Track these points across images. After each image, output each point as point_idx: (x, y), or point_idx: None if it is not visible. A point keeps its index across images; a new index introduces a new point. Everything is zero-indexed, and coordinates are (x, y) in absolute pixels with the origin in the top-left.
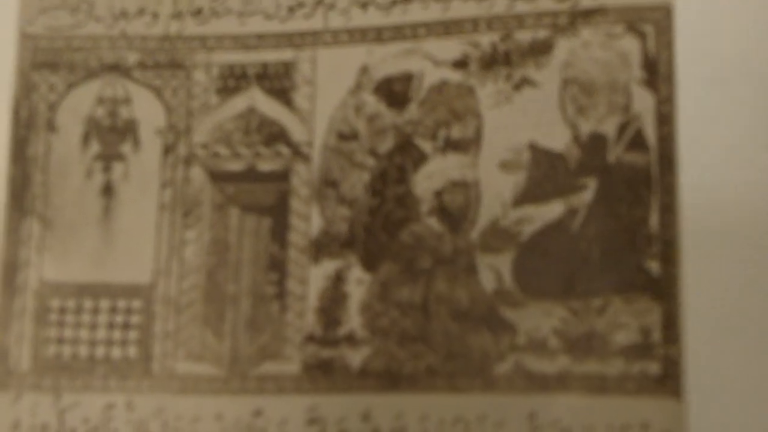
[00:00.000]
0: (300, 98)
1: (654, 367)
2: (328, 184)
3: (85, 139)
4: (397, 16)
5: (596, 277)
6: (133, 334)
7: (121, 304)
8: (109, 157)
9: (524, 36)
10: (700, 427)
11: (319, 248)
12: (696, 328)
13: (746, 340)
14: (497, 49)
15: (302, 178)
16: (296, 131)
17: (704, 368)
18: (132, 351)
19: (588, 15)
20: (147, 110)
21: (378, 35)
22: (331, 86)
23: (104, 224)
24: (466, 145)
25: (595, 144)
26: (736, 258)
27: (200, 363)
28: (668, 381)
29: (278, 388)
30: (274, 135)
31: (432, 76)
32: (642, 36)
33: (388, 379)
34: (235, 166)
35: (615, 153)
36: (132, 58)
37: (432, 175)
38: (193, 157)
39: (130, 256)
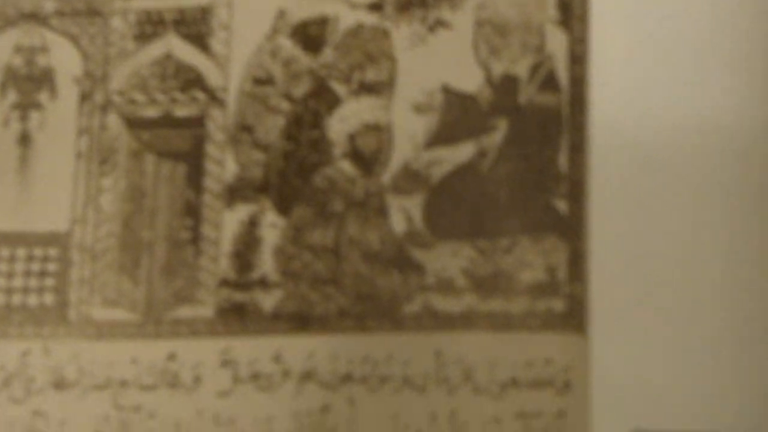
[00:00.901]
0: (216, 43)
1: (559, 305)
2: (243, 129)
3: (2, 88)
4: None
5: (505, 218)
6: (49, 282)
7: (38, 252)
8: (26, 106)
9: None
10: (603, 362)
11: (234, 193)
12: (601, 265)
13: (649, 278)
14: None
15: (218, 124)
16: (212, 77)
17: (608, 305)
18: (48, 298)
19: None
20: (64, 58)
21: None
22: (247, 31)
23: (21, 173)
24: (380, 88)
25: (507, 85)
26: (642, 197)
27: (116, 309)
28: (572, 318)
29: (192, 332)
30: (190, 81)
31: (347, 19)
32: None
33: (299, 321)
34: (151, 112)
35: (527, 94)
36: (49, 5)
37: (346, 119)
38: (110, 105)
39: (46, 204)
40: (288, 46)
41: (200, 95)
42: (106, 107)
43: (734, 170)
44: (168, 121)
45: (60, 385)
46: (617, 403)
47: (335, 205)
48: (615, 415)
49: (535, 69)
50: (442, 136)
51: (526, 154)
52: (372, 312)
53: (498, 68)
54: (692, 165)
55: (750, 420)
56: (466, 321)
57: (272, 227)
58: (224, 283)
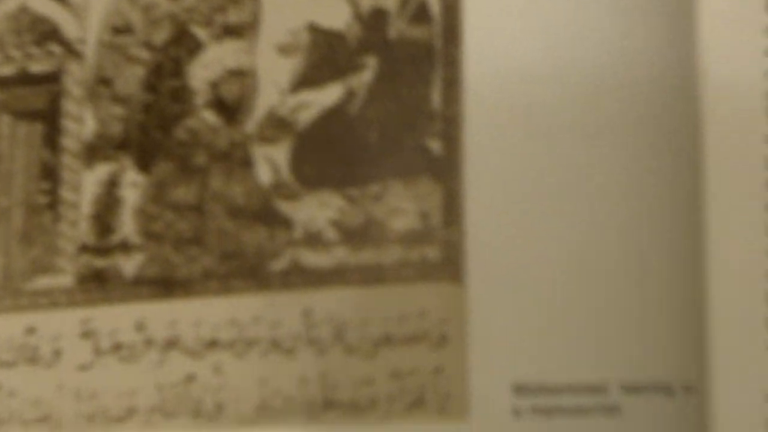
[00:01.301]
0: None
1: (433, 253)
2: (101, 82)
3: None
4: None
5: (375, 162)
6: None
7: None
8: None
9: None
10: (481, 313)
11: (93, 152)
12: (478, 209)
13: (530, 220)
14: None
15: (75, 78)
16: (69, 28)
17: (486, 251)
18: None
19: None
20: None
21: None
22: None
23: None
24: (243, 30)
25: (376, 19)
26: (521, 134)
27: None
28: (448, 266)
29: (51, 303)
30: (46, 33)
31: None
32: None
33: (162, 285)
34: (7, 70)
35: (397, 28)
36: None
37: (208, 65)
38: None
39: None
40: None
41: (57, 49)
42: None
43: (618, 106)
44: (23, 79)
45: None
46: (497, 356)
47: (198, 158)
48: (494, 368)
49: (405, 0)
50: (308, 79)
51: (397, 93)
52: (237, 272)
53: (367, 1)
54: (573, 99)
55: (634, 370)
56: (336, 276)
57: (133, 186)
58: (84, 248)
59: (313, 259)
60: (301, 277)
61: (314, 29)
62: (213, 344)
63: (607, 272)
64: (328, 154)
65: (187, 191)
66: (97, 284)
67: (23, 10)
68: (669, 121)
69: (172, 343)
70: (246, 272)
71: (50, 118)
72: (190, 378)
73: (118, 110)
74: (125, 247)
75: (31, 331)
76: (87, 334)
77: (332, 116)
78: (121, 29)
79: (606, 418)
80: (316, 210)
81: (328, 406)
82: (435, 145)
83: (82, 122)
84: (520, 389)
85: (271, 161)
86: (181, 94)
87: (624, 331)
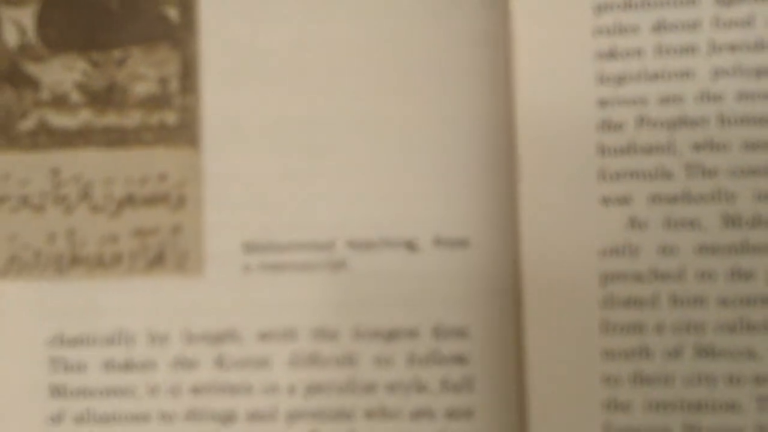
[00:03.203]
0: None
1: (171, 117)
2: None
3: None
4: None
5: (117, 28)
6: None
7: None
8: None
9: None
10: (215, 175)
11: None
12: (212, 76)
13: (264, 87)
14: None
15: None
16: None
17: (220, 117)
18: None
19: None
20: None
21: None
22: None
23: None
24: None
25: None
26: (257, 3)
27: None
28: (185, 131)
29: None
30: None
31: None
32: None
33: None
34: None
35: None
36: None
37: None
38: None
39: None
40: None
41: None
42: None
43: None
44: None
45: None
46: (229, 217)
47: None
48: (226, 228)
49: None
50: None
51: None
52: None
53: None
54: None
55: (362, 228)
56: (82, 137)
57: None
58: None
59: (59, 120)
60: (48, 138)
61: None
62: None
63: (338, 135)
64: (73, 18)
65: None
66: None
67: None
68: None
69: None
70: None
71: None
72: None
73: None
74: None
75: None
76: None
77: None
78: None
79: (331, 273)
80: (62, 72)
81: (75, 261)
82: (172, 13)
83: None
84: (249, 247)
85: (18, 24)
86: None
87: (359, 191)
